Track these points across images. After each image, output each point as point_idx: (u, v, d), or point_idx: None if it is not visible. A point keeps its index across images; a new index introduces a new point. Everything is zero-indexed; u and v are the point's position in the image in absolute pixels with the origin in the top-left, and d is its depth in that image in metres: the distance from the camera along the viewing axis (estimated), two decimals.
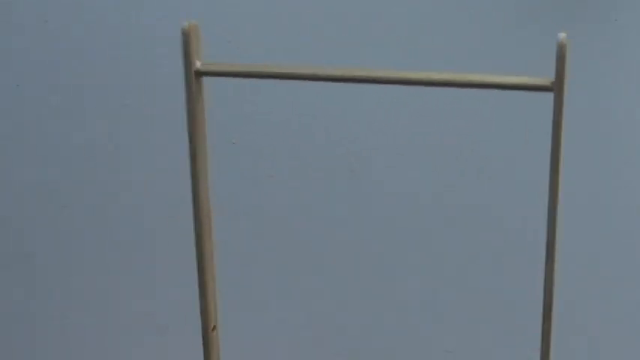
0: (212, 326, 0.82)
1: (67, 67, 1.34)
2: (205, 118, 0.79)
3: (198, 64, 0.80)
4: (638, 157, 1.36)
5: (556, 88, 0.76)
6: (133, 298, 1.34)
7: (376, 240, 1.33)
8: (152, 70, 1.34)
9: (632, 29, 1.36)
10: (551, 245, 0.73)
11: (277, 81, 0.80)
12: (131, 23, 1.34)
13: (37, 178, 1.34)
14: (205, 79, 0.78)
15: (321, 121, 1.31)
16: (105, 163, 1.34)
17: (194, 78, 0.80)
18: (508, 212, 1.34)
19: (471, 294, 1.33)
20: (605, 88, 1.35)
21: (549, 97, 0.73)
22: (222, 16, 1.34)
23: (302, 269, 1.33)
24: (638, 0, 1.37)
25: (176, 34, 1.36)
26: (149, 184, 1.34)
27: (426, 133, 1.32)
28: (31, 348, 1.33)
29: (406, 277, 1.34)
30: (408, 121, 1.32)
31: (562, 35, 0.75)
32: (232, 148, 1.32)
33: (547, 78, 0.77)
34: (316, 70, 0.73)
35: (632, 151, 1.35)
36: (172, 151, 1.34)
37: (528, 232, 1.34)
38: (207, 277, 0.80)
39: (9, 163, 1.34)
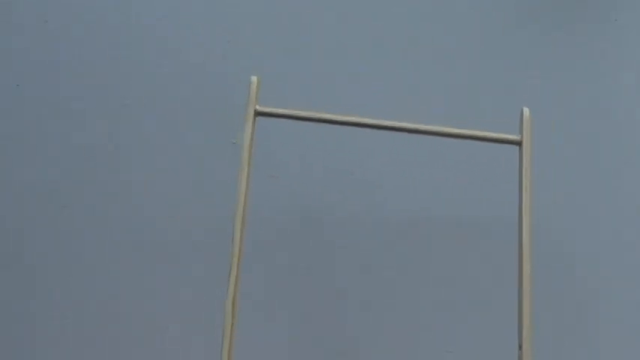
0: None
1: (67, 67, 1.34)
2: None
3: (257, 107, 1.08)
4: (638, 156, 1.36)
5: (522, 146, 1.11)
6: (133, 299, 1.34)
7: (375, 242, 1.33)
8: (152, 70, 1.34)
9: (632, 29, 1.36)
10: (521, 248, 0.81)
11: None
12: (131, 23, 1.34)
13: (37, 178, 1.34)
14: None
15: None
16: (105, 163, 1.34)
17: (253, 117, 1.05)
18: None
19: (472, 294, 1.33)
20: (605, 88, 1.35)
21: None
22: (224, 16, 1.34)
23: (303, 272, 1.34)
24: (638, 0, 1.37)
25: (176, 35, 1.36)
26: (149, 184, 1.34)
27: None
28: (31, 347, 1.33)
29: (406, 277, 1.34)
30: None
31: (526, 110, 1.14)
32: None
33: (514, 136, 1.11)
34: (349, 118, 1.04)
35: (632, 150, 1.35)
36: (172, 151, 1.34)
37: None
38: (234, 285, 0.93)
39: (9, 163, 1.34)
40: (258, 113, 1.11)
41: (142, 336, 1.33)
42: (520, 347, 1.18)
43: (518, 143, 1.18)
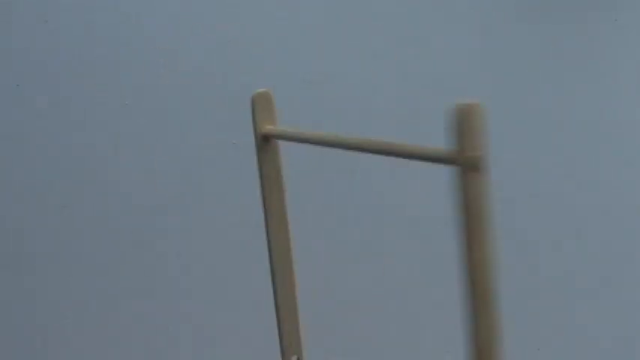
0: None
1: (67, 67, 1.34)
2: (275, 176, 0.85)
3: (264, 128, 0.88)
4: (638, 156, 1.36)
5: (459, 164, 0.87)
6: (133, 298, 1.34)
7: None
8: (153, 70, 1.34)
9: (632, 29, 1.36)
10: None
11: None
12: (131, 23, 1.34)
13: (37, 178, 1.34)
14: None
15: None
16: (105, 163, 1.34)
17: (261, 139, 0.88)
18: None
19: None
20: (605, 88, 1.36)
21: None
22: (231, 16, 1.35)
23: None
24: (638, 0, 1.37)
25: (176, 36, 1.36)
26: (149, 184, 1.34)
27: None
28: (31, 347, 1.33)
29: (405, 278, 1.34)
30: None
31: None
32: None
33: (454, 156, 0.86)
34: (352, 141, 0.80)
35: (632, 150, 1.35)
36: (172, 151, 1.34)
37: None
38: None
39: (9, 163, 1.34)
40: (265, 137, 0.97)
41: (141, 336, 1.34)
42: None
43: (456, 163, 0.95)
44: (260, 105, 0.87)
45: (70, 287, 1.33)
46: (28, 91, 1.34)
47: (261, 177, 0.86)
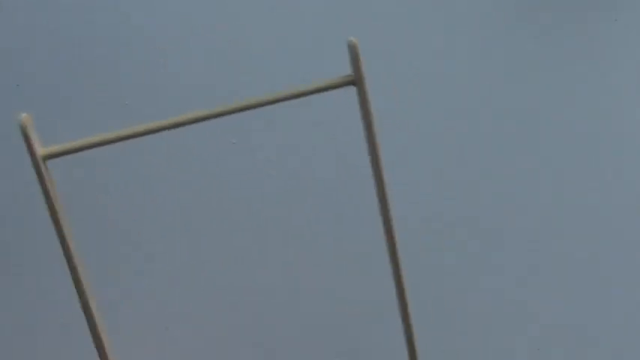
0: None
1: (66, 67, 1.34)
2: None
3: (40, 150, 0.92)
4: (638, 156, 1.36)
5: (357, 83, 0.88)
6: (132, 298, 1.34)
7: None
8: (153, 70, 1.34)
9: (632, 29, 1.36)
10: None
11: None
12: (131, 23, 1.34)
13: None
14: None
15: None
16: (105, 163, 1.34)
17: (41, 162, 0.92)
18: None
19: (471, 294, 1.33)
20: (605, 88, 1.36)
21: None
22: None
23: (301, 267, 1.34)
24: (638, 0, 1.37)
25: (177, 35, 1.36)
26: (149, 184, 1.34)
27: None
28: (31, 347, 1.33)
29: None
30: None
31: (353, 40, 0.86)
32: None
33: (348, 75, 0.89)
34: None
35: (632, 150, 1.35)
36: (172, 152, 1.34)
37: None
38: None
39: (9, 163, 1.34)
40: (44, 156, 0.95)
41: (142, 336, 1.34)
42: None
43: (353, 82, 0.92)
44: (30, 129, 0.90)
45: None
46: (28, 91, 1.34)
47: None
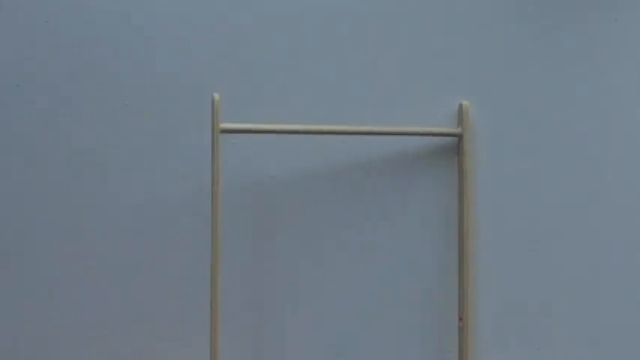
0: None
1: (67, 67, 1.34)
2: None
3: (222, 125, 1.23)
4: (638, 156, 1.35)
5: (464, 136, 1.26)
6: (132, 298, 1.34)
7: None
8: (152, 70, 1.34)
9: (632, 29, 1.36)
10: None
11: None
12: (131, 23, 1.34)
13: (36, 177, 1.34)
14: None
15: None
16: (105, 162, 1.34)
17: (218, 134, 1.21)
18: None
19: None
20: (605, 88, 1.35)
21: None
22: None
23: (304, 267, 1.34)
24: (638, 0, 1.37)
25: (177, 35, 1.36)
26: (148, 184, 1.34)
27: None
28: (32, 347, 1.33)
29: (404, 277, 1.34)
30: None
31: (465, 103, 1.28)
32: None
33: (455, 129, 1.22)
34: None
35: (632, 150, 1.35)
36: (172, 152, 1.34)
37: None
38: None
39: (9, 163, 1.34)
40: (222, 130, 1.25)
41: (147, 337, 1.33)
42: (460, 319, 1.29)
43: (459, 135, 1.32)
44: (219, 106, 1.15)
45: (69, 287, 1.33)
46: (28, 91, 1.34)
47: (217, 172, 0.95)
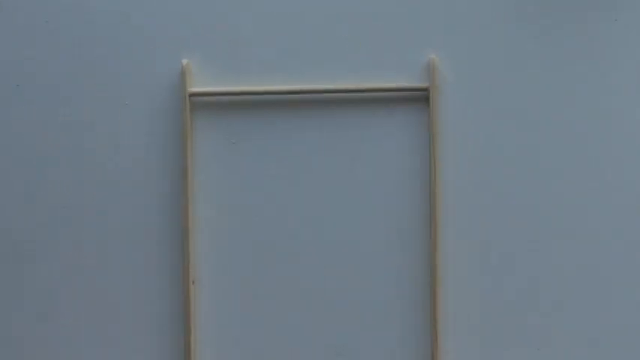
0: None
1: (67, 67, 1.34)
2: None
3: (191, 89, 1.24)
4: (638, 156, 1.35)
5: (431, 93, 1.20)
6: (131, 298, 1.34)
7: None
8: (153, 70, 1.34)
9: (632, 29, 1.36)
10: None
11: None
12: (131, 23, 1.34)
13: (36, 178, 1.34)
14: None
15: None
16: (104, 162, 1.34)
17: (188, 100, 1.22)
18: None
19: (470, 294, 1.33)
20: (605, 88, 1.35)
21: None
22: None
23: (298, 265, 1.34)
24: (638, 0, 1.37)
25: (177, 35, 1.36)
26: (148, 184, 1.34)
27: None
28: (31, 347, 1.33)
29: (403, 277, 1.34)
30: None
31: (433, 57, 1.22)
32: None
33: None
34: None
35: (632, 151, 1.35)
36: (172, 152, 1.34)
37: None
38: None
39: (9, 163, 1.34)
40: (192, 94, 1.29)
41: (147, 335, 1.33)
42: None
43: (425, 90, 1.31)
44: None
45: (68, 287, 1.33)
46: (28, 91, 1.34)
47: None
